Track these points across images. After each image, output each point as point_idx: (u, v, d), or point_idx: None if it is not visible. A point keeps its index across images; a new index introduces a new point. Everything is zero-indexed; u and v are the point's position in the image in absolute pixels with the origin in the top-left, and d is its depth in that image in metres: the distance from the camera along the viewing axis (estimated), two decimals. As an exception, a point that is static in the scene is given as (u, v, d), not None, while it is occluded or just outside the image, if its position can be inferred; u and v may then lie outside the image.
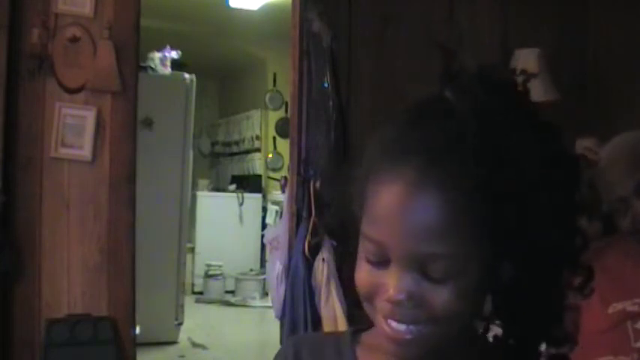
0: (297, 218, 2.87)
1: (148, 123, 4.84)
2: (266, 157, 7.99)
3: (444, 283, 0.70)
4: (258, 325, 6.16)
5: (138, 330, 2.98)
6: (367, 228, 0.73)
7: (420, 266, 0.70)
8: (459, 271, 0.70)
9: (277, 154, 7.78)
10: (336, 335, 0.90)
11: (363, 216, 0.75)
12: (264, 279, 6.88)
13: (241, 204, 7.53)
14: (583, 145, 2.27)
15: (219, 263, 7.15)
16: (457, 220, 0.69)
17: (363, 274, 0.74)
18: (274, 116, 7.82)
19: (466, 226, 0.69)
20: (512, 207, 0.69)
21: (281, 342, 3.01)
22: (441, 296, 0.70)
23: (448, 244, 0.69)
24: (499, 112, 0.71)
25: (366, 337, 0.84)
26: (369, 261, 0.74)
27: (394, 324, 0.72)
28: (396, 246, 0.70)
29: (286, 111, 7.19)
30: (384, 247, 0.71)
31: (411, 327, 0.71)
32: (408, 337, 0.72)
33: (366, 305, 0.76)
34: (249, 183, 7.91)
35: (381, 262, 0.72)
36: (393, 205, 0.70)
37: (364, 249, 0.74)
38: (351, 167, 0.79)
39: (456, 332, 0.74)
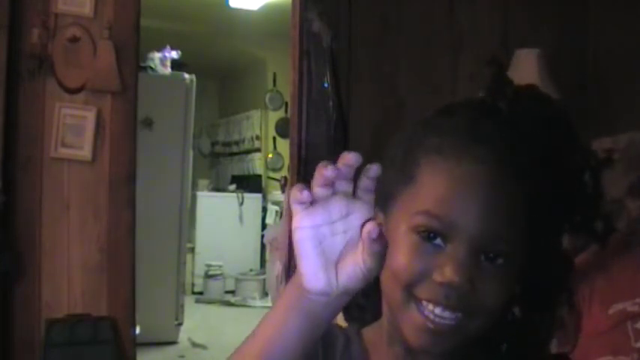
0: (297, 218, 2.86)
1: (148, 123, 4.84)
2: (266, 157, 7.98)
3: (498, 272, 0.71)
4: (258, 325, 6.14)
5: (138, 330, 2.98)
6: (430, 204, 0.71)
7: (483, 249, 0.70)
8: (511, 264, 0.72)
9: (277, 154, 7.77)
10: (341, 328, 0.89)
11: (414, 193, 0.73)
12: (264, 279, 6.88)
13: (241, 204, 7.53)
14: (601, 147, 2.23)
15: (219, 263, 7.14)
16: (520, 209, 0.72)
17: (413, 256, 0.71)
18: (274, 116, 7.82)
19: (522, 220, 0.72)
20: (546, 207, 0.73)
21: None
22: (492, 285, 0.71)
23: (513, 229, 0.71)
24: (543, 123, 0.76)
25: (367, 332, 0.83)
26: (420, 242, 0.72)
27: (438, 310, 0.70)
28: (467, 223, 0.70)
29: (286, 111, 7.18)
30: (450, 225, 0.70)
31: (452, 315, 0.70)
32: (443, 327, 0.70)
33: (400, 293, 0.73)
34: (249, 183, 7.90)
35: (435, 243, 0.71)
36: (468, 183, 0.71)
37: (415, 228, 0.72)
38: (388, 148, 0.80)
39: (482, 331, 0.73)
